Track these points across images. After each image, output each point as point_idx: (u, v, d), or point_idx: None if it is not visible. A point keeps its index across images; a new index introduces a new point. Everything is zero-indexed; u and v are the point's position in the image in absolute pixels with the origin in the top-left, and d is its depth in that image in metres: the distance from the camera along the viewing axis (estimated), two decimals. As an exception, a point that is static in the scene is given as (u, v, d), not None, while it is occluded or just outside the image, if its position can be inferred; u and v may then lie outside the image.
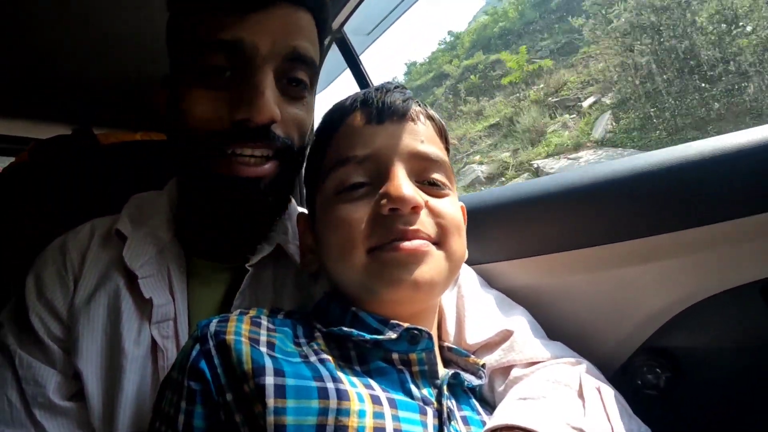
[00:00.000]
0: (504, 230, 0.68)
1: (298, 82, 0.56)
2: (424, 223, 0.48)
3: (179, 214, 0.62)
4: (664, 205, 0.55)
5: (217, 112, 0.52)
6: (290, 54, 0.54)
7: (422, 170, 0.51)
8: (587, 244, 0.61)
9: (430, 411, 0.44)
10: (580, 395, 0.46)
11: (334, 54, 1.25)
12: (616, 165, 0.60)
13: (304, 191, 0.60)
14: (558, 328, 0.63)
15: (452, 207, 0.51)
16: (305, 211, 0.60)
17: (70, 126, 1.00)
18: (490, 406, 0.52)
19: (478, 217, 0.69)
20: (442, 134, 0.56)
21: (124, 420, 0.51)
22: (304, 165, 0.59)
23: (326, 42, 1.19)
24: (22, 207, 0.82)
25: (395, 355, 0.46)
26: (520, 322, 0.58)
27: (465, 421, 0.47)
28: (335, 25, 1.16)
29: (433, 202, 0.50)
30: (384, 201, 0.47)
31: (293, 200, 0.70)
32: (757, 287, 0.53)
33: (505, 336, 0.56)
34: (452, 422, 0.44)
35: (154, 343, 0.54)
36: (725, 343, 0.56)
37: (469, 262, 0.69)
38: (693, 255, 0.55)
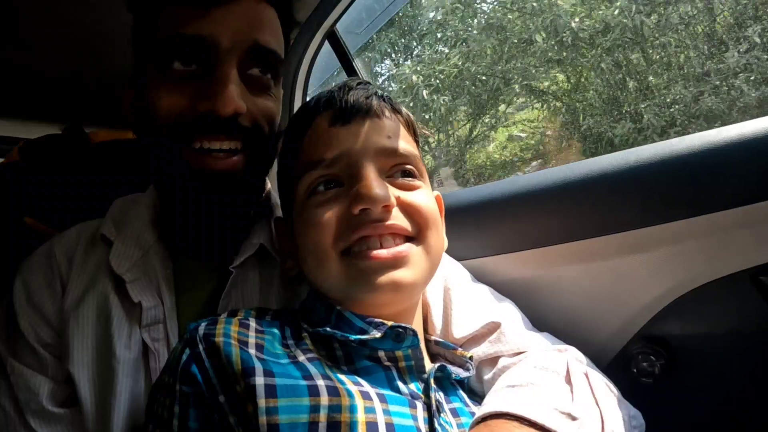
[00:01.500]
0: (497, 225, 0.68)
1: (263, 74, 0.56)
2: (398, 219, 0.48)
3: (162, 216, 0.62)
4: (656, 197, 0.56)
5: (181, 104, 0.52)
6: (252, 47, 0.54)
7: (392, 165, 0.50)
8: (580, 236, 0.61)
9: (419, 405, 0.44)
10: (568, 381, 0.47)
11: (327, 52, 1.24)
12: (607, 159, 0.61)
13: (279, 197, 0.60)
14: (553, 319, 0.63)
15: (426, 198, 0.51)
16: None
17: (59, 125, 0.99)
18: (479, 397, 0.52)
19: (470, 214, 0.70)
20: (410, 126, 0.55)
21: (118, 423, 0.50)
22: (277, 170, 0.59)
23: (319, 40, 1.19)
24: (14, 206, 0.81)
25: (381, 353, 0.46)
26: (507, 313, 0.58)
27: (455, 412, 0.47)
28: (328, 23, 1.16)
29: (406, 196, 0.49)
30: (355, 201, 0.46)
31: (277, 201, 0.68)
32: (747, 275, 0.53)
33: (493, 328, 0.56)
34: (442, 414, 0.44)
35: (145, 346, 0.54)
36: (718, 329, 0.57)
37: (461, 258, 0.69)
38: (684, 245, 0.55)
